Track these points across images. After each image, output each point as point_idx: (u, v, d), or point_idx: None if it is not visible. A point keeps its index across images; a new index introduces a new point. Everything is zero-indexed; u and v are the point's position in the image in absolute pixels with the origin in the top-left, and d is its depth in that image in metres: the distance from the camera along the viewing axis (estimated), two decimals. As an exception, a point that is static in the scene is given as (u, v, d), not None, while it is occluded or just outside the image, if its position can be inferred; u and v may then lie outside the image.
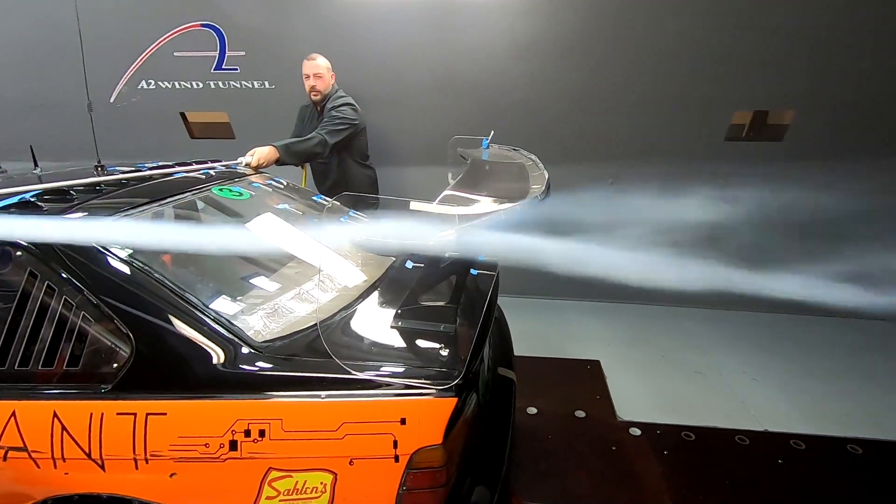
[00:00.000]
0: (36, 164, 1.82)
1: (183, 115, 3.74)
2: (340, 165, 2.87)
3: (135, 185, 1.59)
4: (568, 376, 2.81)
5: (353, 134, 2.78)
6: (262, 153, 2.35)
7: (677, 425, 2.36)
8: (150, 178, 1.67)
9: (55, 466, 1.15)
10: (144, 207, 1.48)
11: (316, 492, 1.11)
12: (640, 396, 2.61)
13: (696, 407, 2.52)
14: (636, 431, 2.33)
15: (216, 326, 1.19)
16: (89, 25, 3.44)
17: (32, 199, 1.35)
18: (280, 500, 1.11)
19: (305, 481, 1.11)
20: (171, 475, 1.12)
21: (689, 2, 2.95)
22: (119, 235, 1.33)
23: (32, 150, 1.82)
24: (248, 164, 2.29)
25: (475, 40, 3.19)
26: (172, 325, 1.18)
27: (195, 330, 1.17)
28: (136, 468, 1.12)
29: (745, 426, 2.35)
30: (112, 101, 3.68)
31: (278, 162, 2.45)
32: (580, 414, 2.46)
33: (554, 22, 3.10)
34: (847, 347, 3.10)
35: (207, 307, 1.23)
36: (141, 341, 1.16)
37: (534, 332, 3.23)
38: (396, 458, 1.10)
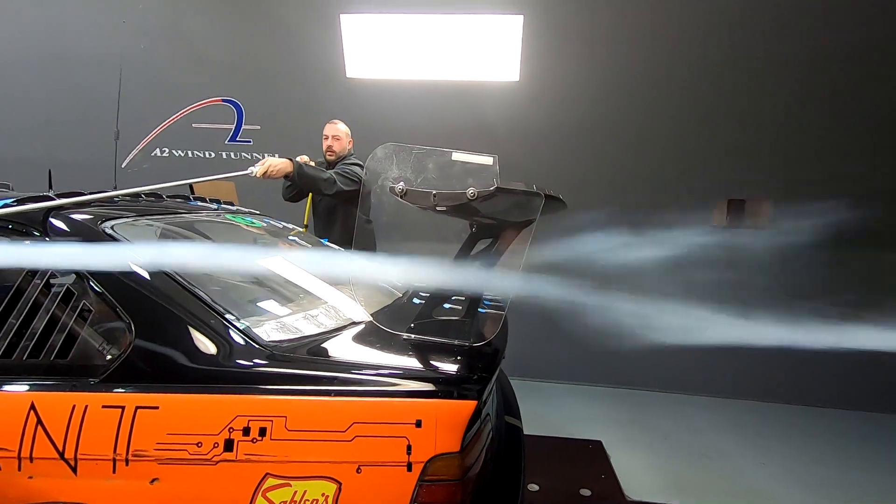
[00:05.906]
0: (50, 187, 1.82)
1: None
2: (346, 217, 2.91)
3: (152, 203, 1.61)
4: (569, 455, 2.63)
5: (359, 192, 2.86)
6: (274, 163, 2.30)
7: (691, 506, 2.18)
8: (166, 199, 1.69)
9: (19, 468, 1.01)
10: (158, 217, 1.49)
11: (315, 505, 0.98)
12: (647, 476, 2.43)
13: (704, 488, 2.34)
14: (648, 511, 2.14)
15: (223, 322, 1.13)
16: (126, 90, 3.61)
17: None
18: (273, 514, 0.98)
19: (305, 491, 0.98)
20: (153, 481, 0.99)
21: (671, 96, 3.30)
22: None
23: (50, 175, 1.83)
24: (255, 174, 2.22)
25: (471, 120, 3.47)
26: (176, 315, 1.12)
27: (200, 323, 1.11)
28: (114, 471, 0.99)
29: (762, 509, 2.18)
30: (123, 166, 3.80)
31: (287, 177, 2.44)
32: (585, 492, 2.27)
33: (543, 110, 3.41)
34: (847, 436, 3.00)
35: (215, 302, 1.18)
36: (141, 330, 1.09)
37: (531, 412, 3.05)
38: (409, 467, 0.99)
